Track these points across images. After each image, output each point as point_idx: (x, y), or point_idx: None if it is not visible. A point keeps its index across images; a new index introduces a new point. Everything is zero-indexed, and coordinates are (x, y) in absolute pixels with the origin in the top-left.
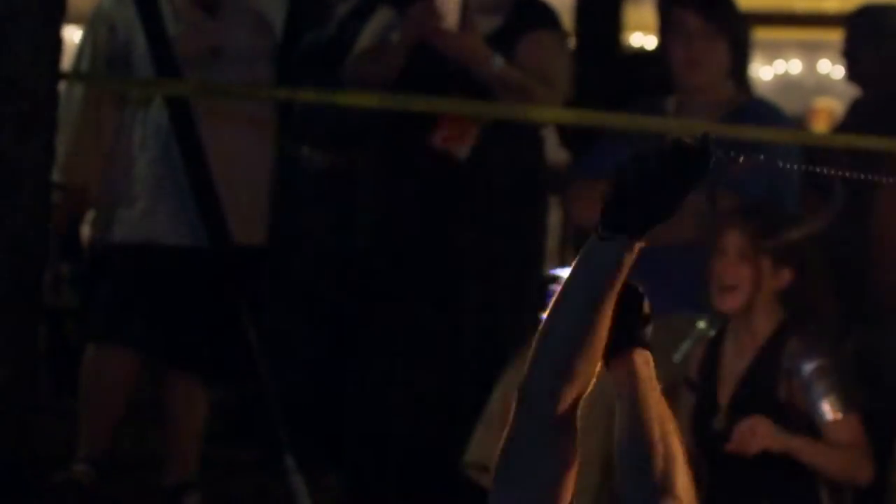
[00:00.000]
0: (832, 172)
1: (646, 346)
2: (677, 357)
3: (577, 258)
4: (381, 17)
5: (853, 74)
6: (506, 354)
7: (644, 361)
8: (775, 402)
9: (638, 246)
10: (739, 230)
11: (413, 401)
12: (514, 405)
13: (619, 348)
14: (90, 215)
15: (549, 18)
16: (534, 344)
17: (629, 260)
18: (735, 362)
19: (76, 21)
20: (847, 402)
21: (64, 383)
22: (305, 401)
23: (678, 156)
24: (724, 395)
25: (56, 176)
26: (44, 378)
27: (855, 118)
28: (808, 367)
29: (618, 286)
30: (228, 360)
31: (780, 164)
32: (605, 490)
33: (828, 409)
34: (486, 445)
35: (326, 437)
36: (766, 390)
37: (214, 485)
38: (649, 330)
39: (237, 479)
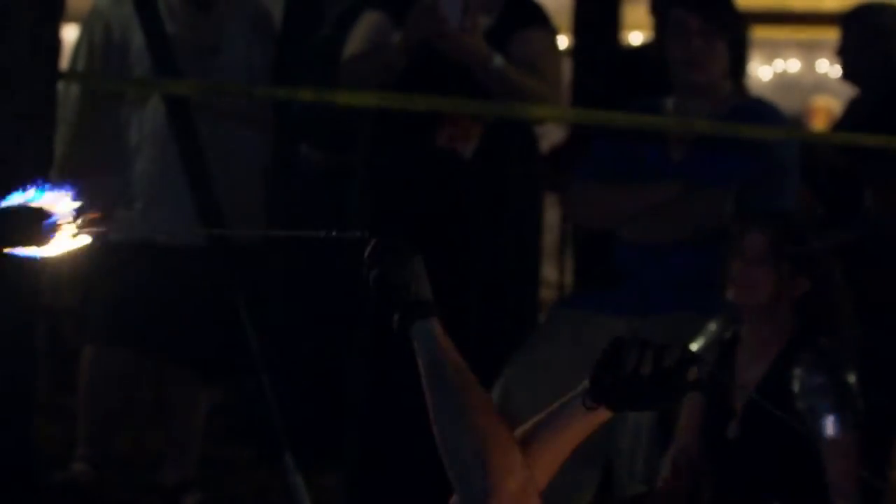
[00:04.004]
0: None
1: (434, 314)
2: None
3: None
4: (370, 21)
5: (849, 73)
6: (504, 353)
7: (441, 330)
8: (790, 411)
9: None
10: (762, 233)
11: (412, 399)
12: None
13: (410, 319)
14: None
15: (540, 17)
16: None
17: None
18: (750, 369)
19: (73, 20)
20: (849, 423)
21: (62, 383)
22: (304, 399)
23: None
24: (739, 401)
25: (53, 175)
26: (42, 378)
27: (852, 117)
28: (817, 380)
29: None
30: (227, 360)
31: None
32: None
33: (829, 426)
34: None
35: (326, 436)
36: (782, 399)
37: (214, 484)
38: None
39: (236, 478)
